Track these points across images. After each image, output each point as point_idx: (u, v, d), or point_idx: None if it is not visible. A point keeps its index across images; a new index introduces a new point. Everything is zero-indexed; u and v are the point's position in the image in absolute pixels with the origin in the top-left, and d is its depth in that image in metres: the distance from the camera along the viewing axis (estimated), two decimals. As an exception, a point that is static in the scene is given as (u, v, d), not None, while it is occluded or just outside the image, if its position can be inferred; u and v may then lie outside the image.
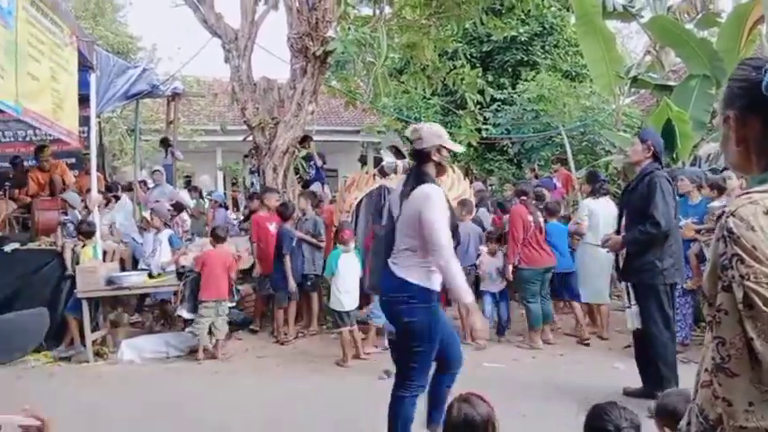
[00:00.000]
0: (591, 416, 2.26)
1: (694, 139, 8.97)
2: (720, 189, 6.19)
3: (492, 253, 6.80)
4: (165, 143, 10.42)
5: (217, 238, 6.45)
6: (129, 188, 9.69)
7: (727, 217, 1.11)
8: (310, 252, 7.08)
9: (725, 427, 1.09)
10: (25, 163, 9.06)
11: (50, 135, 9.44)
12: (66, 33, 6.15)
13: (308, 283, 7.07)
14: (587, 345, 6.49)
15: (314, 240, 7.09)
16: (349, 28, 7.41)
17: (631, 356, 4.98)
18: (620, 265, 4.83)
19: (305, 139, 9.04)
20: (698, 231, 6.39)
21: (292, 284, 6.72)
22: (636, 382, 4.69)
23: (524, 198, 7.01)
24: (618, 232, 4.78)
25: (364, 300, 6.52)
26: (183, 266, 6.40)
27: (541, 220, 6.71)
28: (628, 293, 4.72)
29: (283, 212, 6.93)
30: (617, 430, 2.14)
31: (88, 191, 7.43)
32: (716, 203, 6.34)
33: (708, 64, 9.34)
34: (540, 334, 6.55)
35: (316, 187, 8.78)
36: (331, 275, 6.14)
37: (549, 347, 6.48)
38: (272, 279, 6.94)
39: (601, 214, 6.65)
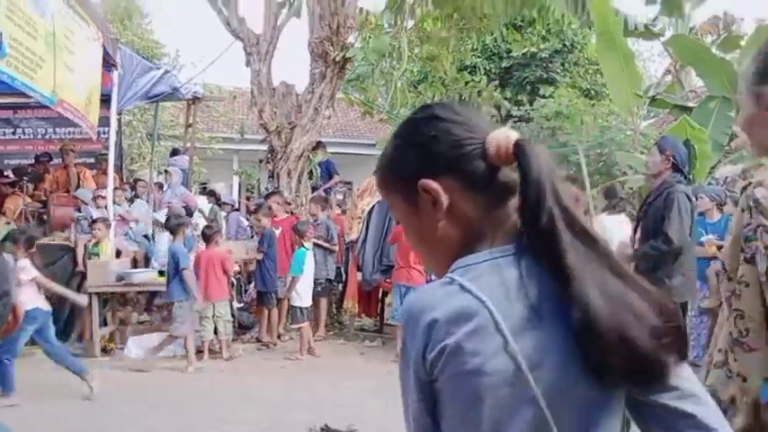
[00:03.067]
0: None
1: (713, 160, 8.86)
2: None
3: None
4: (174, 154, 10.50)
5: (204, 238, 6.40)
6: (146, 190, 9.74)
7: (754, 187, 1.07)
8: (322, 256, 7.06)
9: (738, 406, 1.04)
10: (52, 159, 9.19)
11: (69, 134, 9.66)
12: (92, 29, 6.25)
13: (318, 288, 7.04)
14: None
15: (327, 245, 7.08)
16: (369, 36, 7.45)
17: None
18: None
19: (318, 146, 9.07)
20: (719, 248, 6.29)
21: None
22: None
23: None
24: (633, 246, 4.67)
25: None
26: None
27: None
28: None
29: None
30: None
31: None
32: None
33: (728, 86, 9.25)
34: None
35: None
36: (300, 274, 6.24)
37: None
38: (257, 279, 6.92)
39: (615, 231, 6.56)
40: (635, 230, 4.69)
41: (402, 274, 6.28)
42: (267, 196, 8.25)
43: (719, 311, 4.46)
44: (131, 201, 8.62)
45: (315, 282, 7.06)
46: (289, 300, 6.61)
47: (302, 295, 6.34)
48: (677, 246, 4.21)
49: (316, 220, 7.21)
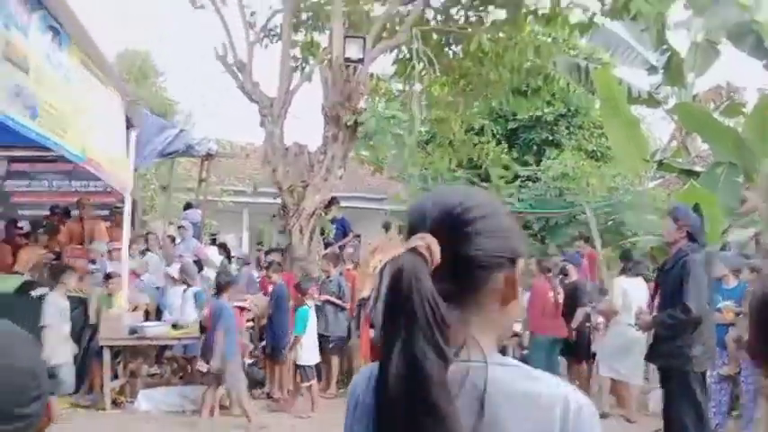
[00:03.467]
0: None
1: (723, 224, 8.93)
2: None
3: None
4: (188, 208, 10.70)
5: (218, 288, 6.36)
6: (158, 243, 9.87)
7: None
8: (334, 313, 7.11)
9: None
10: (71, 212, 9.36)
11: (84, 188, 9.89)
12: (112, 92, 6.51)
13: (330, 345, 7.05)
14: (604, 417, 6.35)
15: (339, 302, 7.13)
16: (379, 101, 7.72)
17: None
18: (650, 345, 4.76)
19: (331, 202, 9.24)
20: (737, 315, 6.29)
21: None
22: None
23: (548, 274, 7.20)
24: (652, 313, 4.70)
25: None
26: (204, 318, 6.45)
27: (560, 297, 6.83)
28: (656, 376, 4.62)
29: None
30: None
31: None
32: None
33: (735, 151, 9.41)
34: None
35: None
36: (303, 333, 6.28)
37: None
38: (268, 335, 6.95)
39: (635, 294, 6.60)
40: (653, 297, 4.73)
41: None
42: (281, 252, 8.38)
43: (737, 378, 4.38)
44: (143, 253, 8.74)
45: (327, 339, 7.09)
46: (294, 359, 6.61)
47: (307, 353, 6.35)
48: (696, 315, 4.24)
49: (328, 277, 7.29)
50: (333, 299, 7.10)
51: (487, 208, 1.00)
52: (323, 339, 7.04)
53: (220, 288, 6.20)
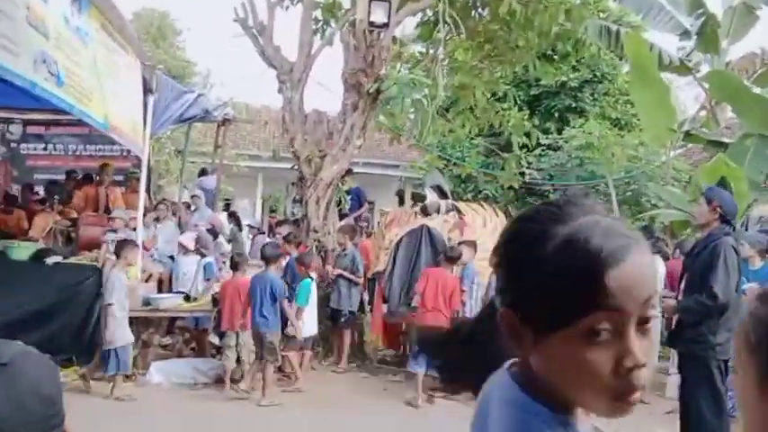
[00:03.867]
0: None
1: (748, 199, 8.65)
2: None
3: None
4: (203, 174, 10.57)
5: (234, 266, 6.38)
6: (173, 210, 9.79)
7: None
8: (347, 287, 7.01)
9: None
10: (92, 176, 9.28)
11: (99, 152, 9.78)
12: (131, 56, 6.32)
13: (342, 320, 6.97)
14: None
15: (352, 277, 7.02)
16: (401, 67, 7.43)
17: (673, 422, 4.71)
18: (672, 329, 4.60)
19: (347, 173, 9.06)
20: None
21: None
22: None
23: None
24: (677, 296, 4.53)
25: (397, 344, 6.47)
26: (218, 292, 6.38)
27: None
28: (675, 360, 4.48)
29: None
30: None
31: (134, 208, 7.52)
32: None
33: (766, 123, 9.07)
34: None
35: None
36: (305, 305, 6.22)
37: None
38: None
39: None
40: (680, 279, 4.56)
41: (429, 317, 6.10)
42: (295, 222, 8.25)
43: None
44: (156, 221, 8.65)
45: (339, 313, 7.01)
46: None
47: (306, 325, 6.29)
48: (722, 301, 4.07)
49: (344, 250, 7.16)
50: (346, 273, 6.99)
51: None
52: (335, 313, 6.95)
53: (234, 266, 6.13)
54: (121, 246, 6.04)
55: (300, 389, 6.15)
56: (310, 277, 6.41)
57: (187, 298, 6.65)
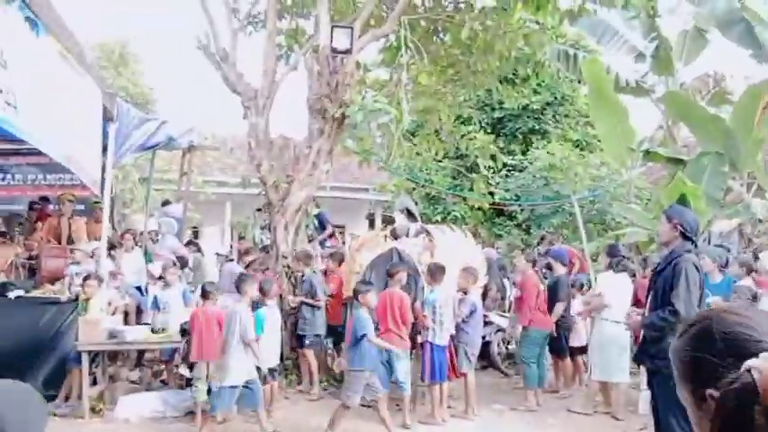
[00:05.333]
0: None
1: (708, 216, 8.91)
2: (750, 269, 6.08)
3: None
4: (166, 204, 10.45)
5: (204, 294, 6.26)
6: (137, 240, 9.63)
7: None
8: (310, 312, 7.00)
9: None
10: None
11: (59, 181, 9.59)
12: (90, 84, 6.25)
13: (307, 342, 6.94)
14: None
15: (311, 301, 7.01)
16: (366, 92, 7.51)
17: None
18: (639, 346, 4.69)
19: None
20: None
21: None
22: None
23: (535, 268, 7.28)
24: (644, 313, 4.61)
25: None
26: (186, 323, 6.27)
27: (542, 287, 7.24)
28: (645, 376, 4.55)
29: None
30: None
31: (96, 239, 7.38)
32: (745, 282, 6.24)
33: (721, 141, 9.38)
34: (535, 395, 6.92)
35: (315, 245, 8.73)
36: (261, 333, 6.02)
37: (559, 424, 6.27)
38: None
39: (619, 290, 6.54)
40: (646, 296, 4.64)
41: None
42: (264, 248, 8.19)
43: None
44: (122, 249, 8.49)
45: (303, 337, 6.95)
46: None
47: (265, 355, 6.08)
48: (685, 317, 4.15)
49: (302, 276, 7.16)
50: (306, 300, 6.98)
51: None
52: (299, 338, 6.90)
53: (205, 295, 6.04)
54: (243, 280, 5.85)
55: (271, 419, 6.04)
56: (265, 305, 6.25)
57: (153, 330, 6.51)
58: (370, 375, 5.53)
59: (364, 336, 5.49)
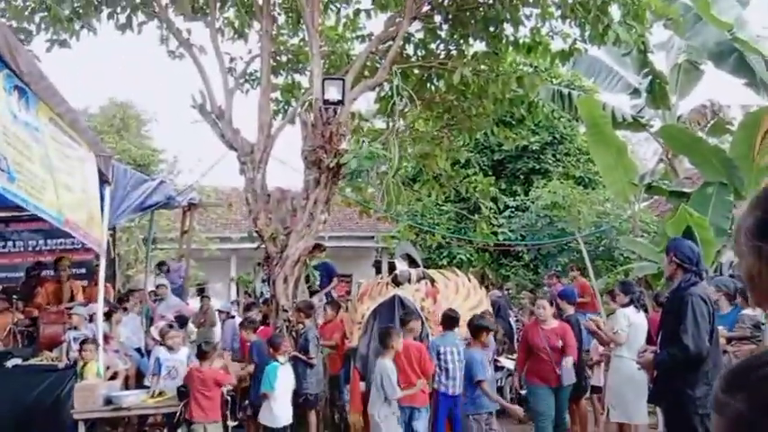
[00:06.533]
0: None
1: (716, 246, 8.75)
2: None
3: None
4: (160, 266, 10.41)
5: (200, 355, 6.12)
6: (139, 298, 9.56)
7: None
8: (302, 369, 6.79)
9: None
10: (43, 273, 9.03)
11: (60, 245, 9.58)
12: (84, 148, 6.28)
13: (300, 400, 6.69)
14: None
15: (303, 357, 6.79)
16: (362, 141, 7.52)
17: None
18: (653, 386, 4.49)
19: (317, 247, 8.98)
20: (728, 341, 6.03)
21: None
22: None
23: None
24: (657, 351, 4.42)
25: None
26: (184, 385, 6.10)
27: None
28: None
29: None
30: None
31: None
32: (749, 311, 6.06)
33: (723, 171, 9.31)
34: None
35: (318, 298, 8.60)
36: (271, 390, 5.99)
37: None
38: (251, 393, 6.67)
39: (640, 328, 6.33)
40: (657, 333, 4.48)
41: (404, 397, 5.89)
42: (265, 302, 8.06)
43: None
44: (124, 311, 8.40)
45: (297, 395, 6.71)
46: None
47: (275, 413, 5.97)
48: (694, 352, 3.98)
49: (302, 328, 7.00)
50: (299, 354, 6.78)
51: None
52: (295, 396, 6.64)
53: (202, 355, 5.91)
54: (387, 334, 5.84)
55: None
56: (277, 360, 6.14)
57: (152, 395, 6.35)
58: (488, 417, 5.31)
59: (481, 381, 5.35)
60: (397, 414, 5.55)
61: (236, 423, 6.13)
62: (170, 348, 6.87)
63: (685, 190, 10.41)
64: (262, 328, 7.70)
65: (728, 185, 9.31)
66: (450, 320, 6.32)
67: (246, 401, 6.76)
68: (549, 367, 5.99)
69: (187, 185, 10.89)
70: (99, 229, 6.56)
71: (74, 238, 8.94)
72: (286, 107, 10.02)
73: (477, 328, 5.53)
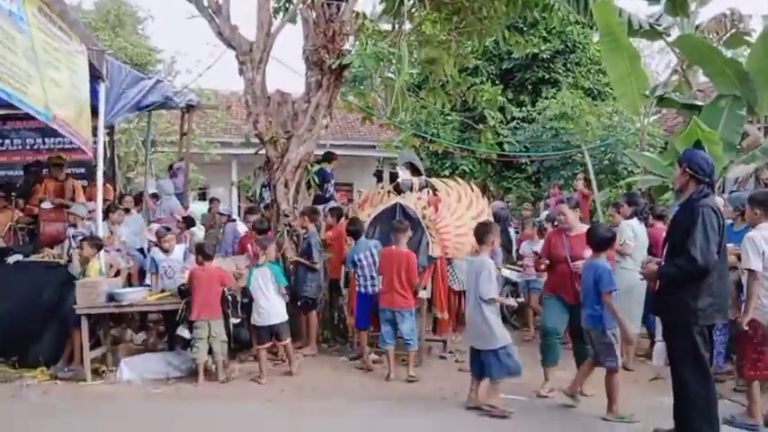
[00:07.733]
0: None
1: (724, 162, 8.60)
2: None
3: None
4: (171, 169, 10.31)
5: (204, 256, 6.14)
6: (139, 200, 9.53)
7: None
8: (303, 272, 6.87)
9: None
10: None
11: (58, 144, 9.43)
12: (75, 41, 6.01)
13: (299, 303, 6.80)
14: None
15: (305, 262, 6.86)
16: (367, 42, 7.19)
17: (658, 388, 4.60)
18: (655, 296, 4.50)
19: (330, 157, 8.89)
20: (738, 257, 6.01)
21: None
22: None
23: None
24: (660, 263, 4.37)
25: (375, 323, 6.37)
26: (185, 284, 6.17)
27: None
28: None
29: (262, 244, 6.30)
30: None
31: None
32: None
33: (738, 84, 9.01)
34: None
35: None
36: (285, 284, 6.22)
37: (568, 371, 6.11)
38: None
39: (642, 239, 6.31)
40: (663, 244, 4.43)
41: (385, 299, 6.15)
42: (267, 207, 8.02)
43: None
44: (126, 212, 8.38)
45: (296, 297, 6.82)
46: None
47: (260, 312, 6.06)
48: (701, 265, 3.94)
49: (305, 233, 7.00)
50: (301, 259, 6.85)
51: None
52: (293, 297, 6.73)
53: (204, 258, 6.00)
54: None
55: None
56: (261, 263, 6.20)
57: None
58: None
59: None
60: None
61: (238, 321, 6.23)
62: (165, 251, 6.93)
63: (697, 103, 10.11)
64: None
65: (741, 99, 9.03)
66: (356, 233, 6.58)
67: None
68: (569, 282, 5.37)
69: (183, 88, 10.61)
70: (88, 127, 6.40)
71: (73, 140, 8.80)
72: (287, 5, 9.55)
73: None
